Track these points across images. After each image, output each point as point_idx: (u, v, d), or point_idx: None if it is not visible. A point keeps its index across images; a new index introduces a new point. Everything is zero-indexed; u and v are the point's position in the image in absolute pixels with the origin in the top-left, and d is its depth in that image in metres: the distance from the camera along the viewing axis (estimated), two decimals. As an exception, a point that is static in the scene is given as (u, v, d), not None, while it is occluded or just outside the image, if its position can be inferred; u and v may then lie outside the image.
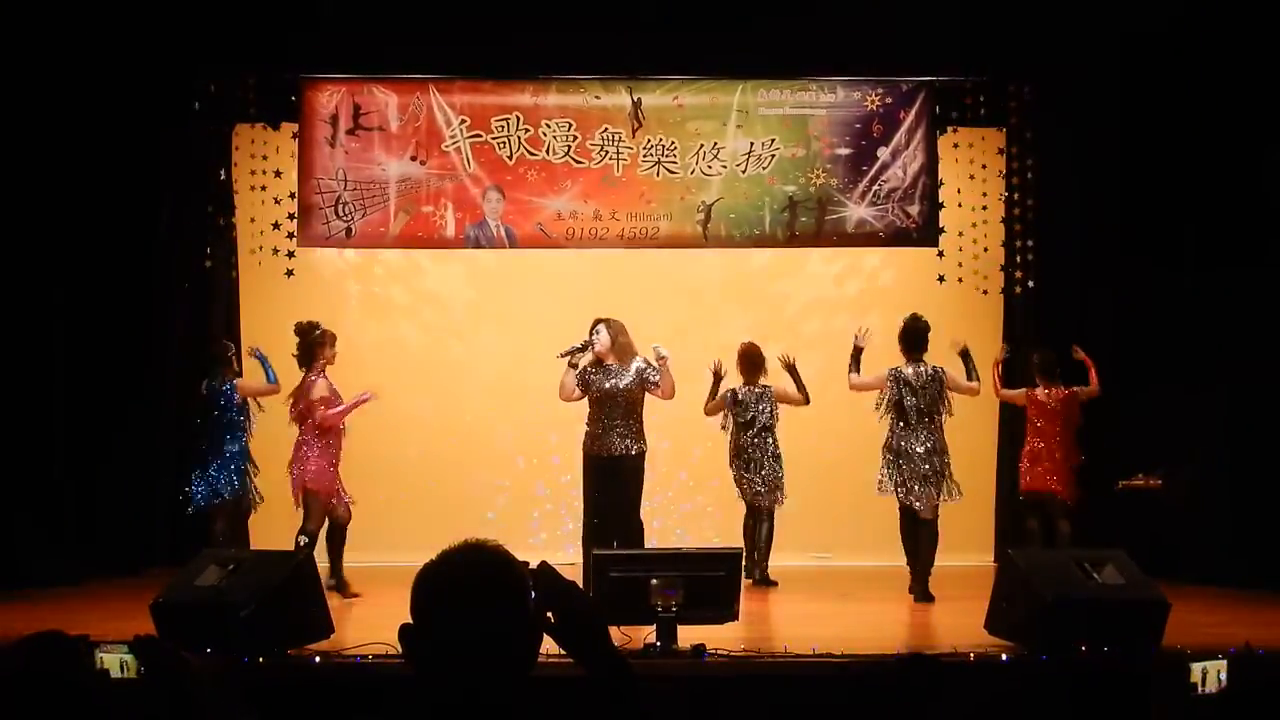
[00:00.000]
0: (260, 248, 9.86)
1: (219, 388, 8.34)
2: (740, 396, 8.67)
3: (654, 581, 5.76)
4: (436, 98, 9.62)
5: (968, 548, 9.20)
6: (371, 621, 6.91)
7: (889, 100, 9.68)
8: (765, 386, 8.71)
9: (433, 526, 8.79)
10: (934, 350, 8.19)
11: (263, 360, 8.36)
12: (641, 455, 7.78)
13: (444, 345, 10.30)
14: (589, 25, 9.05)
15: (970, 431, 8.89)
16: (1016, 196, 9.90)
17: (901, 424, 8.05)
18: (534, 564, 2.15)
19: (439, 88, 9.63)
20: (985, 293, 10.00)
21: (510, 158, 9.63)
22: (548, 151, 9.63)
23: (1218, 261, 8.67)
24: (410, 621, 2.08)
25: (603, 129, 9.64)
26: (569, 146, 9.63)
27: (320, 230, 9.61)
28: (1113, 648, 5.66)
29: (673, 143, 9.65)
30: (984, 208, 10.04)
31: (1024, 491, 8.68)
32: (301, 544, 7.67)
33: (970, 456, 8.91)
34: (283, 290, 9.72)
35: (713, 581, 5.88)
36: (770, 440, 8.67)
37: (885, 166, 9.65)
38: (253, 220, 9.87)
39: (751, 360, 8.72)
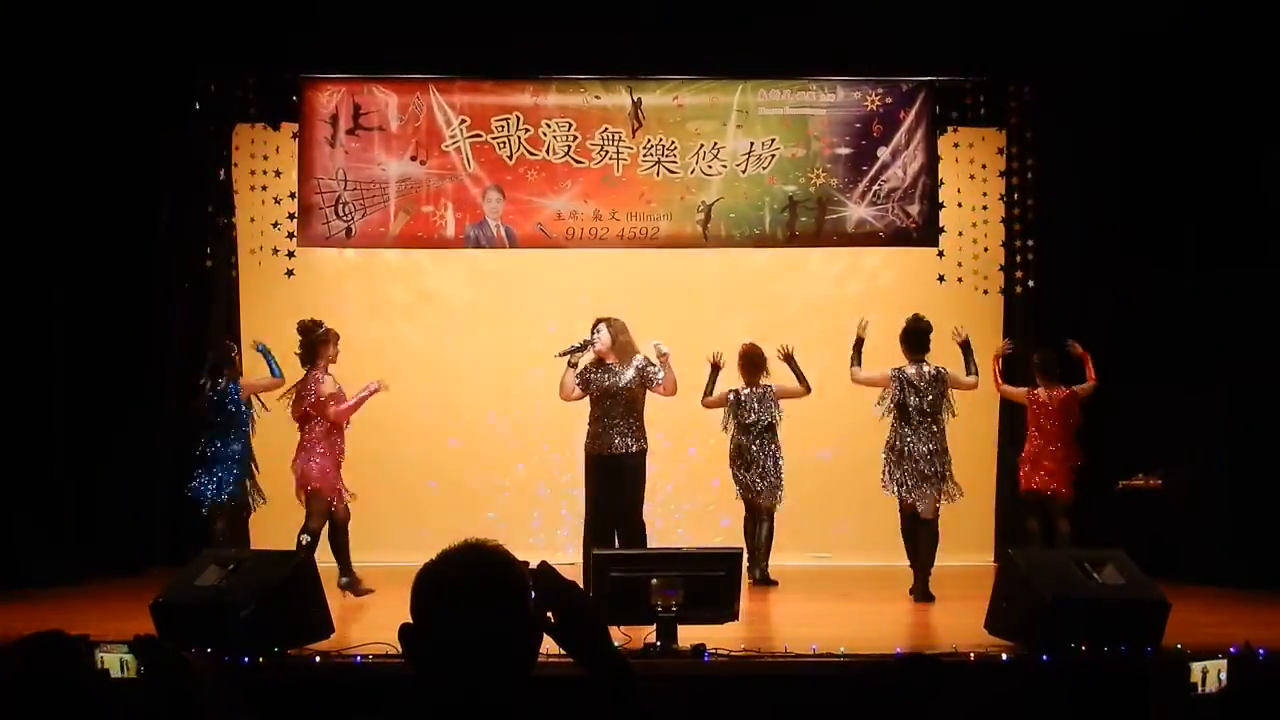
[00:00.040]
0: (260, 247, 9.86)
1: (223, 388, 8.33)
2: (742, 398, 8.67)
3: (654, 581, 5.76)
4: (436, 98, 9.62)
5: (968, 548, 9.21)
6: (371, 621, 6.93)
7: (889, 100, 9.68)
8: (767, 387, 8.71)
9: (433, 526, 8.82)
10: (936, 350, 8.20)
11: (266, 353, 8.35)
12: (643, 453, 7.80)
13: (444, 345, 10.29)
14: (589, 25, 9.05)
15: (970, 431, 8.88)
16: (1016, 196, 9.90)
17: (904, 425, 8.06)
18: (534, 564, 2.15)
19: (439, 88, 9.64)
20: (985, 293, 10.01)
21: (510, 158, 9.63)
22: (548, 151, 9.63)
23: (1218, 261, 8.67)
24: (410, 621, 2.08)
25: (603, 129, 9.64)
26: (569, 146, 9.63)
27: (320, 230, 9.61)
28: (1113, 648, 5.65)
29: (673, 143, 9.65)
30: (984, 208, 10.05)
31: (1024, 491, 8.67)
32: (304, 543, 7.67)
33: (970, 456, 8.90)
34: (283, 290, 9.73)
35: (713, 581, 5.88)
36: (772, 441, 8.67)
37: (885, 166, 9.65)
38: (253, 220, 9.88)
39: (753, 361, 8.72)
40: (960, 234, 9.96)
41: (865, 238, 9.76)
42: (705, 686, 5.51)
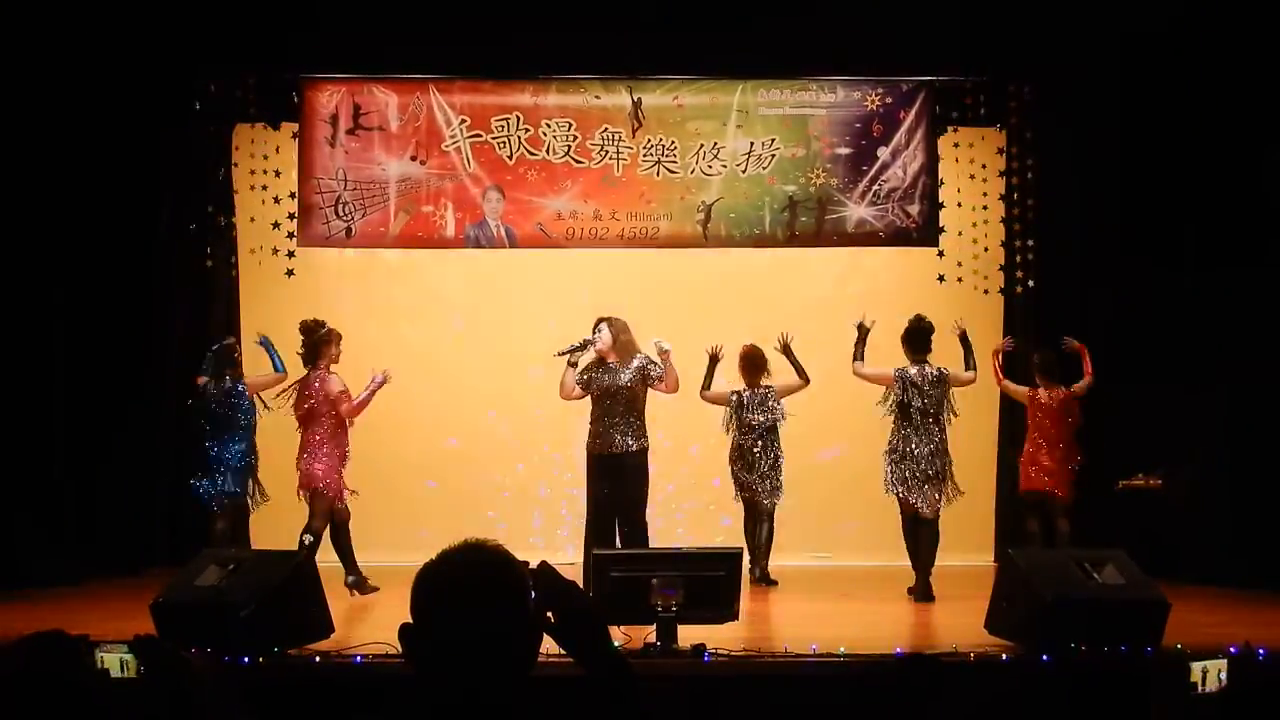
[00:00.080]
0: (260, 247, 9.86)
1: (229, 387, 8.31)
2: (744, 400, 8.67)
3: (654, 581, 5.76)
4: (436, 98, 9.62)
5: (968, 548, 9.21)
6: (371, 621, 6.93)
7: (889, 100, 9.68)
8: (768, 388, 8.70)
9: (433, 526, 8.82)
10: (936, 347, 8.20)
11: (268, 346, 8.33)
12: (644, 452, 7.82)
13: (444, 345, 10.29)
14: (589, 25, 9.05)
15: (970, 431, 8.88)
16: (1016, 196, 9.90)
17: (906, 425, 8.06)
18: (534, 564, 2.15)
19: (439, 88, 9.63)
20: (985, 292, 10.00)
21: (510, 158, 9.63)
22: (548, 151, 9.63)
23: (1218, 261, 8.67)
24: (410, 621, 2.08)
25: (603, 129, 9.64)
26: (569, 146, 9.63)
27: (320, 230, 9.61)
28: (1113, 648, 5.66)
29: (673, 143, 9.65)
30: (984, 208, 10.04)
31: (1024, 491, 8.68)
32: (306, 544, 7.67)
33: (970, 456, 8.90)
34: (283, 290, 9.72)
35: (713, 581, 5.88)
36: (773, 442, 8.66)
37: (885, 166, 9.65)
38: (253, 220, 9.88)
39: (753, 362, 8.72)
40: (960, 234, 9.96)
41: (865, 238, 9.76)
42: (705, 686, 5.51)
